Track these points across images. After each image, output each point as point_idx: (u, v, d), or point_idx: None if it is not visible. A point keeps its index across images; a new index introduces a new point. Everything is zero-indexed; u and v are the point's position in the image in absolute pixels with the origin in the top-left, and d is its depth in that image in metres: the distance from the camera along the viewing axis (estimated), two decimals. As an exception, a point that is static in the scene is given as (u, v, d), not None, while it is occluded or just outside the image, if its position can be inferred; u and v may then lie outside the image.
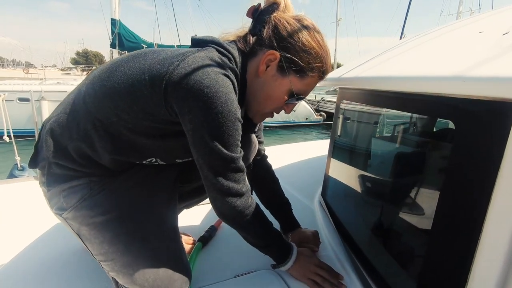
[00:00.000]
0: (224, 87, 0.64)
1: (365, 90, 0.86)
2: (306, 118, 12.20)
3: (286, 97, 0.78)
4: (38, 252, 0.99)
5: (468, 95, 0.43)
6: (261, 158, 1.09)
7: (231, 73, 0.69)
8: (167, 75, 0.63)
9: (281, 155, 2.10)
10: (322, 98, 15.15)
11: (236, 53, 0.75)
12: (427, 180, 0.70)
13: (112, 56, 10.22)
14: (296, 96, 0.78)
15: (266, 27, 0.75)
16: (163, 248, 0.77)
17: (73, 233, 0.77)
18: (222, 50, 0.72)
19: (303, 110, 11.98)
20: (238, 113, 0.67)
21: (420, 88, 0.52)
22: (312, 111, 12.36)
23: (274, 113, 0.84)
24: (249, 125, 0.87)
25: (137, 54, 0.72)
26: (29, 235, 1.07)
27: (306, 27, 0.74)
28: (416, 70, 0.56)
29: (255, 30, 0.76)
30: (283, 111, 0.84)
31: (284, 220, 1.05)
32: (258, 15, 0.76)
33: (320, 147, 2.34)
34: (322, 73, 0.78)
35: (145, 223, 0.77)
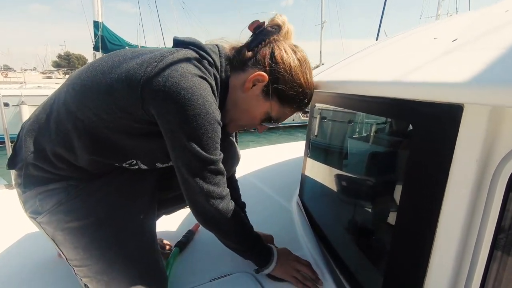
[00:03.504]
0: (202, 89, 0.64)
1: (332, 93, 0.88)
2: (293, 120, 12.29)
3: (262, 118, 0.81)
4: (7, 261, 0.96)
5: (412, 99, 0.45)
6: None
7: (209, 76, 0.69)
8: (145, 77, 0.63)
9: (262, 157, 2.11)
10: (308, 99, 15.26)
11: (217, 58, 0.75)
12: (395, 180, 0.72)
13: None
14: (272, 120, 0.81)
15: (265, 49, 0.76)
16: (139, 255, 0.76)
17: (48, 238, 0.75)
18: (202, 53, 0.71)
19: (289, 111, 12.04)
20: (218, 115, 0.67)
21: (372, 92, 0.54)
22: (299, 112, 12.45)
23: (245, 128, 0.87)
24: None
25: (118, 53, 0.71)
26: None
27: (299, 61, 0.77)
28: (371, 75, 0.58)
29: (251, 46, 0.78)
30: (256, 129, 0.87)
31: None
32: (259, 33, 0.78)
33: (302, 148, 2.36)
34: (301, 107, 0.82)
35: (121, 229, 0.76)
